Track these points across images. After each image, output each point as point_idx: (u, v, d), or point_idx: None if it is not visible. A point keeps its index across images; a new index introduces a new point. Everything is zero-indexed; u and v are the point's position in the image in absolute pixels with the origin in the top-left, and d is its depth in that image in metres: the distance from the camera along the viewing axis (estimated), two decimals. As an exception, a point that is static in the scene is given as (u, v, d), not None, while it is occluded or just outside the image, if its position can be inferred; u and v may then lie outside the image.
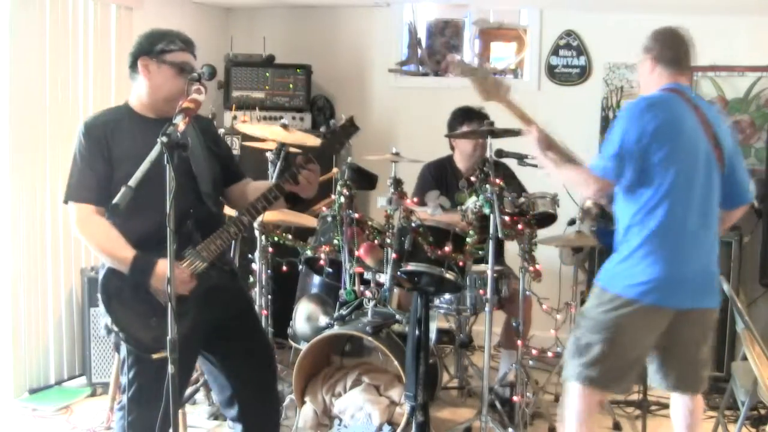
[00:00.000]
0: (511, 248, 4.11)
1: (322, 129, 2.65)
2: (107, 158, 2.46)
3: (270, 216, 3.64)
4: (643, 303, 2.67)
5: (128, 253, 2.41)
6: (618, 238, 2.79)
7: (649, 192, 2.66)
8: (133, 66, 2.52)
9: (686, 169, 2.67)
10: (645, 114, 2.66)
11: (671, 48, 2.79)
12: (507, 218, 3.36)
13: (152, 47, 2.49)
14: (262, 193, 2.51)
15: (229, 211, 2.95)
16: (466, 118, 4.18)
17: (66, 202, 2.51)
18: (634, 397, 4.04)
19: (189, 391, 3.86)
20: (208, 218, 2.55)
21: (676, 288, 2.69)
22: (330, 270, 3.74)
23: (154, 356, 2.36)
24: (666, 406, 4.09)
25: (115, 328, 2.42)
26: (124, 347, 2.51)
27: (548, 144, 2.86)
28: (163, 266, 2.37)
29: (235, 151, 4.60)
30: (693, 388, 2.93)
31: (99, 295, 2.48)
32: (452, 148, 4.36)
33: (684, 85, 2.81)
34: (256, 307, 3.95)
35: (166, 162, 2.05)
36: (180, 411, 2.74)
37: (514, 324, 3.76)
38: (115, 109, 2.66)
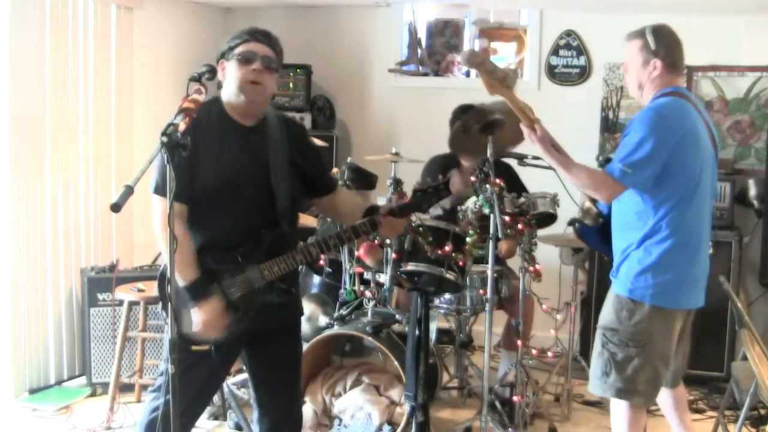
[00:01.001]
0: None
1: (416, 184, 2.64)
2: (192, 156, 2.33)
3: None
4: (675, 309, 2.74)
5: (191, 273, 2.39)
6: (627, 243, 2.78)
7: (669, 198, 2.68)
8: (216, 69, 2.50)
9: (700, 175, 2.72)
10: (667, 123, 2.66)
11: (674, 51, 2.79)
12: (507, 218, 3.35)
13: (225, 47, 2.52)
14: (337, 233, 2.51)
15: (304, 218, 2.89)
16: None
17: (154, 193, 2.45)
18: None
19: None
20: (279, 238, 2.50)
21: (693, 289, 2.78)
22: (330, 270, 3.75)
23: (194, 348, 2.40)
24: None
25: (164, 314, 2.43)
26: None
27: (552, 142, 2.84)
28: (211, 305, 2.39)
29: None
30: (679, 379, 3.03)
31: (157, 281, 2.51)
32: (452, 148, 4.35)
33: (684, 88, 2.83)
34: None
35: (166, 162, 2.05)
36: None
37: (514, 324, 3.77)
38: (208, 103, 2.48)
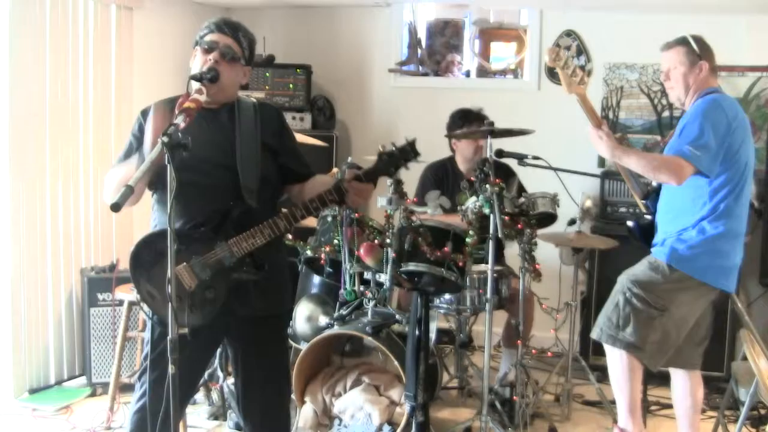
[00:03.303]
0: (511, 248, 4.11)
1: (381, 148, 2.59)
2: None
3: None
4: (709, 285, 2.93)
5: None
6: (680, 227, 2.94)
7: (726, 184, 2.89)
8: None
9: (749, 163, 2.96)
10: (724, 112, 2.89)
11: (713, 56, 3.06)
12: (506, 218, 3.36)
13: (197, 37, 2.58)
14: (303, 203, 2.46)
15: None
16: (465, 120, 4.18)
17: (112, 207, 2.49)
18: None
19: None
20: (246, 215, 2.47)
21: (731, 273, 2.98)
22: (330, 270, 3.74)
23: None
24: (666, 406, 4.10)
25: (139, 298, 2.43)
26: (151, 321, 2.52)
27: (613, 141, 3.03)
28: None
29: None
30: (694, 364, 3.21)
31: (129, 265, 2.46)
32: (452, 150, 4.36)
33: (721, 88, 3.06)
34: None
35: (166, 162, 2.05)
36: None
37: (514, 324, 3.76)
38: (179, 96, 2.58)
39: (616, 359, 3.00)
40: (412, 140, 2.53)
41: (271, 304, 2.63)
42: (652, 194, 3.17)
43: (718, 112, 2.88)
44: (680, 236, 2.94)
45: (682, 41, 3.05)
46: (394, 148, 2.52)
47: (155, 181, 2.46)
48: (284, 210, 2.48)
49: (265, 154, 2.57)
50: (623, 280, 3.01)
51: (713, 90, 3.00)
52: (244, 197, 2.49)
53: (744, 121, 2.97)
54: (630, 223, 3.27)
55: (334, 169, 4.32)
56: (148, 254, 2.43)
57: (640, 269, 2.98)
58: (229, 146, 2.52)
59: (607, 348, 3.03)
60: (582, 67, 2.85)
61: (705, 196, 2.90)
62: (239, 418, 2.75)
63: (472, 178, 3.52)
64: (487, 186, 3.29)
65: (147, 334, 2.60)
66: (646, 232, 3.13)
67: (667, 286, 2.90)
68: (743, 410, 3.18)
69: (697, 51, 3.01)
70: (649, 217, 3.18)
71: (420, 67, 5.57)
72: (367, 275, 3.54)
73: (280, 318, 2.80)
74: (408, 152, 2.53)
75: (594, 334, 3.06)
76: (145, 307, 2.44)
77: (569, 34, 5.17)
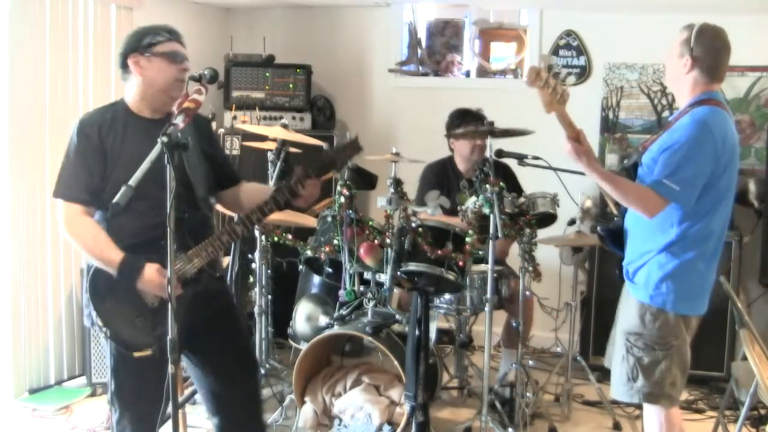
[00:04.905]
0: (512, 248, 4.11)
1: (326, 147, 2.63)
2: (101, 158, 2.46)
3: (270, 216, 3.63)
4: (692, 315, 2.78)
5: (116, 255, 2.39)
6: (646, 248, 2.76)
7: (699, 211, 2.67)
8: (124, 66, 2.52)
9: (733, 186, 2.75)
10: (713, 139, 2.62)
11: (714, 56, 2.71)
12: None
13: (139, 43, 2.49)
14: (258, 206, 2.50)
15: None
16: (463, 120, 4.19)
17: (55, 197, 2.53)
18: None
19: (188, 391, 3.85)
20: (201, 223, 2.55)
21: (706, 296, 2.80)
22: (330, 270, 3.74)
23: (136, 354, 2.39)
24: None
25: (100, 323, 2.43)
26: (109, 344, 2.52)
27: (593, 156, 2.77)
28: (150, 270, 2.39)
29: (235, 152, 4.60)
30: None
31: (86, 291, 2.48)
32: (451, 150, 4.36)
33: (720, 95, 2.76)
34: (256, 308, 3.96)
35: (166, 162, 2.05)
36: (180, 411, 2.76)
37: (513, 324, 3.76)
38: (110, 106, 2.62)
39: (652, 417, 2.82)
40: (355, 136, 2.65)
41: (224, 299, 2.71)
42: None
43: (706, 139, 2.60)
44: (648, 264, 2.75)
45: (687, 27, 2.74)
46: (343, 145, 2.62)
47: (96, 201, 2.45)
48: (239, 215, 2.52)
49: (206, 162, 2.61)
50: (618, 335, 2.85)
51: (707, 98, 2.69)
52: (200, 206, 2.54)
53: (733, 141, 2.71)
54: (599, 229, 3.04)
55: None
56: (105, 277, 2.44)
57: (629, 315, 2.81)
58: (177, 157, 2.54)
59: (644, 406, 2.86)
60: (557, 74, 2.60)
61: (675, 220, 2.69)
62: (216, 421, 2.74)
63: (473, 178, 3.52)
64: (487, 186, 3.29)
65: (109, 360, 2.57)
66: (617, 236, 2.94)
67: (658, 324, 2.73)
68: (743, 410, 3.18)
69: (691, 44, 2.68)
70: (619, 221, 2.97)
71: (420, 67, 5.57)
72: (367, 275, 3.54)
73: (232, 308, 2.82)
74: (355, 147, 2.62)
75: (614, 395, 2.89)
76: (106, 330, 2.44)
77: (569, 34, 5.17)
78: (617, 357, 2.83)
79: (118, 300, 2.44)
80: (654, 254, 2.73)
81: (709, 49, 2.70)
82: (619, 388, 2.82)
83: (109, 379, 2.54)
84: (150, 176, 2.16)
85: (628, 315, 2.81)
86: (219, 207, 2.94)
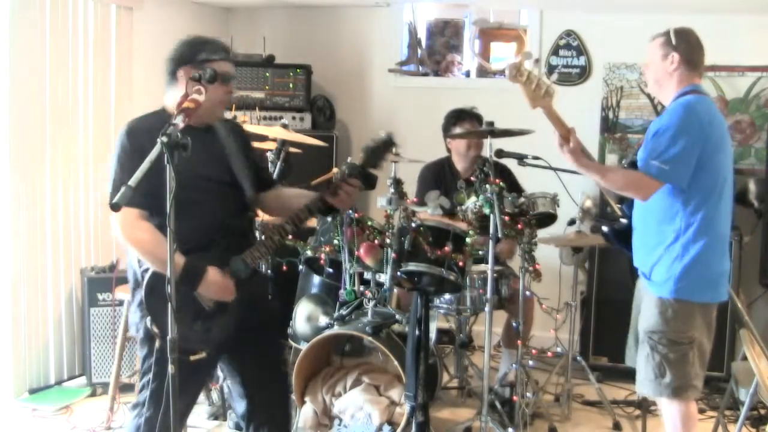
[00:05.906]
0: (511, 248, 4.11)
1: (363, 147, 2.71)
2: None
3: (269, 216, 3.64)
4: (714, 303, 2.84)
5: (179, 259, 2.32)
6: (656, 241, 2.81)
7: (701, 196, 2.73)
8: (173, 73, 2.48)
9: (727, 172, 2.81)
10: (698, 119, 2.71)
11: (695, 51, 2.87)
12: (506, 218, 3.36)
13: (195, 56, 2.45)
14: (306, 204, 2.56)
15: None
16: (458, 119, 4.20)
17: (111, 203, 2.48)
18: (634, 397, 4.05)
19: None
20: (251, 224, 2.60)
21: (725, 281, 2.86)
22: (330, 270, 3.74)
23: (192, 358, 2.38)
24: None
25: (155, 329, 2.40)
26: (146, 346, 2.52)
27: (583, 151, 2.84)
28: (213, 274, 2.41)
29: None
30: None
31: (142, 295, 2.43)
32: (448, 150, 4.36)
33: (703, 87, 2.89)
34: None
35: (166, 162, 2.05)
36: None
37: (514, 324, 3.76)
38: (154, 114, 2.56)
39: (674, 413, 2.84)
40: (388, 133, 2.68)
41: (271, 310, 2.75)
42: (628, 199, 3.02)
43: (691, 119, 2.71)
44: (663, 259, 2.80)
45: (662, 33, 2.89)
46: (377, 144, 2.64)
47: (151, 205, 2.40)
48: (290, 214, 2.57)
49: (250, 164, 2.65)
50: (641, 333, 2.89)
51: (692, 89, 2.82)
52: (249, 207, 2.58)
53: (721, 125, 2.81)
54: (605, 229, 3.15)
55: (334, 169, 4.34)
56: (161, 285, 2.39)
57: (649, 313, 2.85)
58: (225, 162, 2.56)
59: (663, 404, 2.90)
60: (537, 61, 2.66)
61: (681, 209, 2.75)
62: (243, 424, 2.76)
63: (472, 178, 3.52)
64: (487, 186, 3.29)
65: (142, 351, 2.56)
66: (623, 235, 3.00)
67: (681, 318, 2.78)
68: (743, 410, 3.18)
69: (673, 42, 2.83)
70: (624, 221, 3.05)
71: (420, 67, 5.57)
72: (367, 275, 3.54)
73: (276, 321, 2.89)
74: (389, 143, 2.66)
75: (641, 391, 2.95)
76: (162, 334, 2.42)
77: (569, 34, 5.17)
78: (641, 355, 2.87)
79: (177, 304, 2.41)
80: (666, 247, 2.78)
81: (691, 44, 2.86)
82: (646, 385, 2.86)
83: (147, 381, 2.50)
84: (196, 180, 2.22)
85: (647, 313, 2.85)
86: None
